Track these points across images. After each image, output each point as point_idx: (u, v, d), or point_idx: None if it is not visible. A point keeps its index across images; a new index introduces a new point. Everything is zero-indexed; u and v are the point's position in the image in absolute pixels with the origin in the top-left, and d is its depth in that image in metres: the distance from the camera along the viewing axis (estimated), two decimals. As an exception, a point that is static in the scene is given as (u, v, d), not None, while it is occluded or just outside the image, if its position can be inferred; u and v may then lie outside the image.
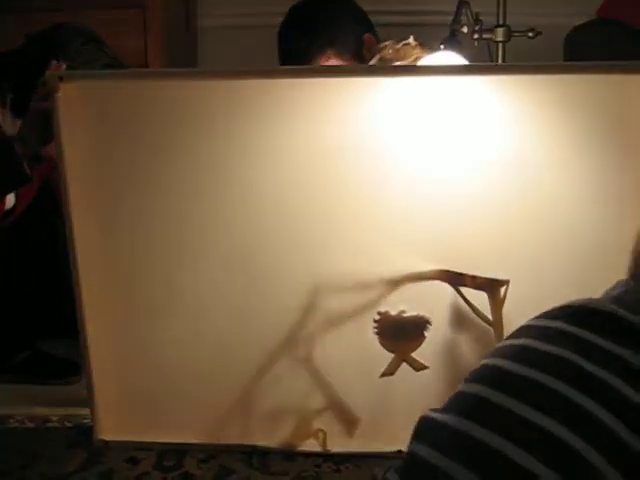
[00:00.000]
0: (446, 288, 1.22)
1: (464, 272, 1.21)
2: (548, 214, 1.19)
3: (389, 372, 1.25)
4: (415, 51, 1.75)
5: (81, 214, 1.25)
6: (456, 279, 1.21)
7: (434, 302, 1.23)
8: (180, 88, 1.22)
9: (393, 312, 1.23)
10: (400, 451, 1.28)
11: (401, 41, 1.80)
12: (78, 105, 1.21)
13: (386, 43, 1.86)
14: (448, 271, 1.21)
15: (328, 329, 1.24)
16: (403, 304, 1.23)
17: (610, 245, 1.18)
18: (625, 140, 1.17)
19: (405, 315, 1.23)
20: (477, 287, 1.21)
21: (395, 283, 1.22)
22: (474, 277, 1.20)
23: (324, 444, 1.29)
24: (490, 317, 1.21)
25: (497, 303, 1.20)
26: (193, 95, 1.21)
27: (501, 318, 1.21)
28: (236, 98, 1.20)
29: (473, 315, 1.22)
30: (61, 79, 1.20)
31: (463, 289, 1.22)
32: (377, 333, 1.24)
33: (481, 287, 1.20)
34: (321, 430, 1.29)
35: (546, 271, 1.20)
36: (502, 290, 1.20)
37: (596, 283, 1.19)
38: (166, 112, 1.21)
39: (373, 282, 1.22)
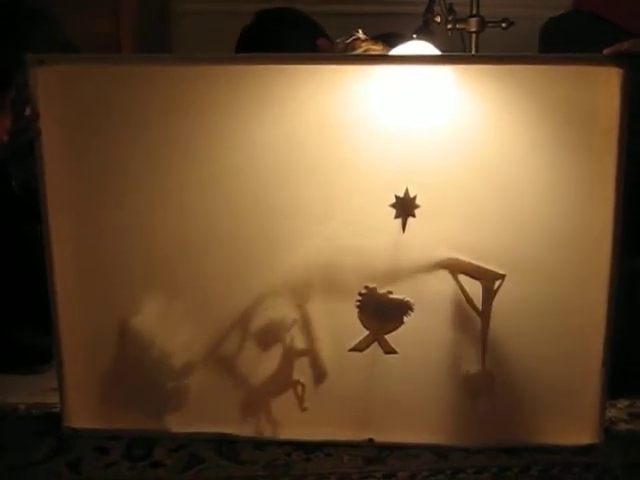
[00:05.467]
0: (435, 277, 1.23)
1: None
2: (518, 200, 1.21)
3: (359, 348, 1.25)
4: (364, 44, 1.76)
5: (57, 200, 1.25)
6: (458, 265, 1.22)
7: (418, 290, 1.24)
8: (156, 74, 1.22)
9: (380, 290, 1.23)
10: (371, 439, 1.28)
11: (351, 36, 1.80)
12: (56, 88, 1.22)
13: (338, 40, 1.86)
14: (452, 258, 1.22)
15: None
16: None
17: (580, 230, 1.21)
18: (593, 128, 1.18)
19: (390, 296, 1.23)
20: (475, 275, 1.22)
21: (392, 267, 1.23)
22: (476, 265, 1.22)
23: (302, 398, 1.28)
24: (480, 308, 1.23)
25: (490, 294, 1.22)
26: (169, 81, 1.21)
27: (490, 310, 1.23)
28: (212, 84, 1.21)
29: (454, 307, 1.23)
30: (42, 62, 1.21)
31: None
32: (358, 307, 1.24)
33: (479, 276, 1.22)
34: (300, 382, 1.28)
35: (523, 264, 1.22)
36: (496, 283, 1.22)
37: (569, 272, 1.22)
38: (143, 98, 1.22)
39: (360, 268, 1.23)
